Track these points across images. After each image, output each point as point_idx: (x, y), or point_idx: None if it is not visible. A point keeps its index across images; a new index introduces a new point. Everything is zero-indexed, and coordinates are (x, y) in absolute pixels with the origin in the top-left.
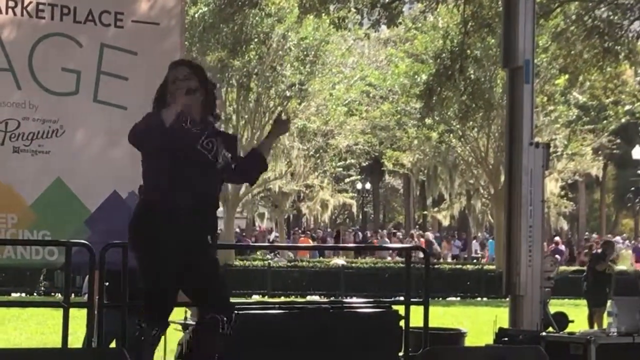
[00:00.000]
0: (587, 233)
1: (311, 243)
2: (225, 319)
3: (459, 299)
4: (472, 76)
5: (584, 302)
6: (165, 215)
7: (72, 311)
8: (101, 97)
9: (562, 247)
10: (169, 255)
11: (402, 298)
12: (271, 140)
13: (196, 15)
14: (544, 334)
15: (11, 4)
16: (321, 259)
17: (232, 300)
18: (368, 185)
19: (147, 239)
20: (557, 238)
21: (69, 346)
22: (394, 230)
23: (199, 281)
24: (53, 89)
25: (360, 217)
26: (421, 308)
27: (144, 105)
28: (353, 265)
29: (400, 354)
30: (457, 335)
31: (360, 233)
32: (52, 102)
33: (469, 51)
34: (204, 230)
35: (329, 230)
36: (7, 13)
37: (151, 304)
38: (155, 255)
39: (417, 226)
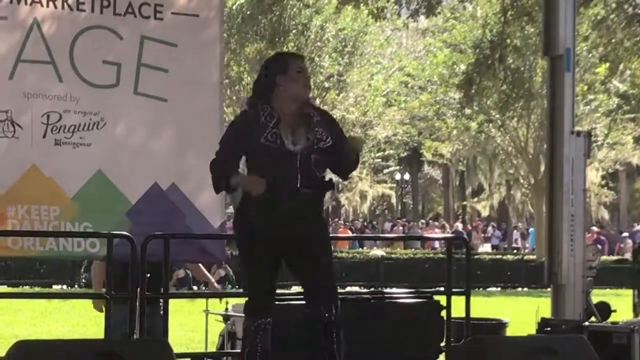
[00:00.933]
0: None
1: (350, 234)
2: (333, 306)
3: (499, 289)
4: (512, 65)
5: (626, 291)
6: (260, 207)
7: None
8: (141, 89)
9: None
10: (262, 246)
11: (442, 288)
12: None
13: (234, 7)
14: (586, 323)
15: None
16: (360, 249)
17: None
18: (407, 176)
19: (246, 228)
20: (594, 228)
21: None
22: (428, 222)
23: (303, 262)
24: (94, 81)
25: (399, 207)
26: (462, 298)
27: (184, 96)
28: (392, 256)
29: (442, 344)
30: (498, 326)
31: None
32: (93, 95)
33: (508, 40)
34: (295, 215)
35: (368, 221)
36: (47, 6)
37: (252, 296)
38: (249, 246)
39: (459, 217)
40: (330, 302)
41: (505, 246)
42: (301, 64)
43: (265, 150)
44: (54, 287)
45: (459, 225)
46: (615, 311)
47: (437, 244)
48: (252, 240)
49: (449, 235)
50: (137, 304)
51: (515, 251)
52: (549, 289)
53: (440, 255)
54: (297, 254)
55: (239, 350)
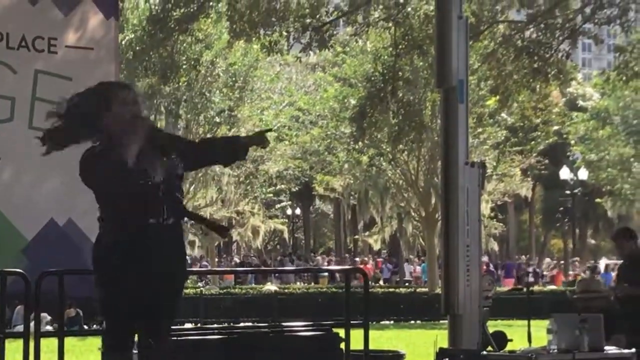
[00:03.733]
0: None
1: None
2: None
3: (392, 322)
4: (404, 98)
5: (517, 322)
6: (125, 246)
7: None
8: (37, 123)
9: (492, 268)
10: (133, 287)
11: (339, 321)
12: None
13: (124, 42)
14: (484, 352)
15: None
16: (254, 285)
17: None
18: (298, 211)
19: (113, 272)
20: (484, 259)
21: None
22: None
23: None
24: None
25: (291, 242)
26: (359, 332)
27: None
28: (286, 290)
29: None
30: (396, 357)
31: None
32: None
33: (400, 73)
34: (166, 255)
35: (265, 257)
36: None
37: (114, 332)
38: (120, 287)
39: (351, 251)
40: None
41: (398, 279)
42: (126, 94)
43: (134, 184)
44: None
45: (319, 259)
46: (511, 340)
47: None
48: (116, 281)
49: (348, 267)
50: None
51: (407, 284)
52: (442, 321)
53: (334, 290)
54: (151, 298)
55: None
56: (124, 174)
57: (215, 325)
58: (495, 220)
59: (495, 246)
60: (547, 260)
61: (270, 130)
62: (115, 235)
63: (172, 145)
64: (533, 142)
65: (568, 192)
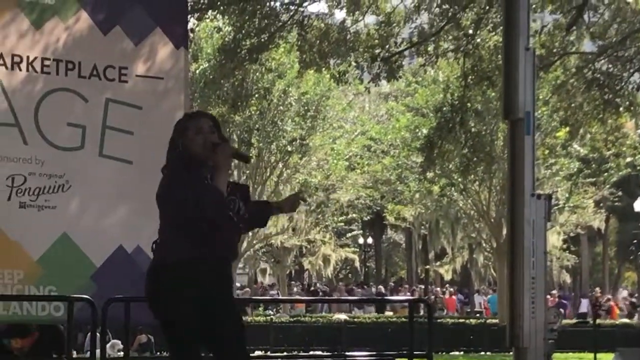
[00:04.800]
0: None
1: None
2: None
3: (462, 353)
4: (473, 129)
5: (587, 355)
6: (194, 275)
7: None
8: (107, 151)
9: (565, 301)
10: (194, 316)
11: (405, 352)
12: (281, 208)
13: (197, 71)
14: None
15: (17, 59)
16: (324, 314)
17: None
18: (370, 240)
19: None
20: (554, 292)
21: None
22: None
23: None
24: (59, 143)
25: (363, 271)
26: None
27: (149, 159)
28: (355, 320)
29: None
30: None
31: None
32: (58, 157)
33: (469, 104)
34: (228, 285)
35: (338, 284)
36: (12, 69)
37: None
38: (185, 316)
39: (422, 281)
40: None
41: (469, 310)
42: (203, 122)
43: (223, 216)
44: None
45: (382, 289)
46: None
47: None
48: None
49: (411, 297)
50: None
51: (477, 315)
52: (511, 353)
53: (404, 319)
54: (215, 325)
55: None
56: (207, 188)
57: (281, 354)
58: (567, 252)
59: (567, 278)
60: (625, 292)
61: (302, 196)
62: (198, 265)
63: (246, 196)
64: (606, 174)
65: None
